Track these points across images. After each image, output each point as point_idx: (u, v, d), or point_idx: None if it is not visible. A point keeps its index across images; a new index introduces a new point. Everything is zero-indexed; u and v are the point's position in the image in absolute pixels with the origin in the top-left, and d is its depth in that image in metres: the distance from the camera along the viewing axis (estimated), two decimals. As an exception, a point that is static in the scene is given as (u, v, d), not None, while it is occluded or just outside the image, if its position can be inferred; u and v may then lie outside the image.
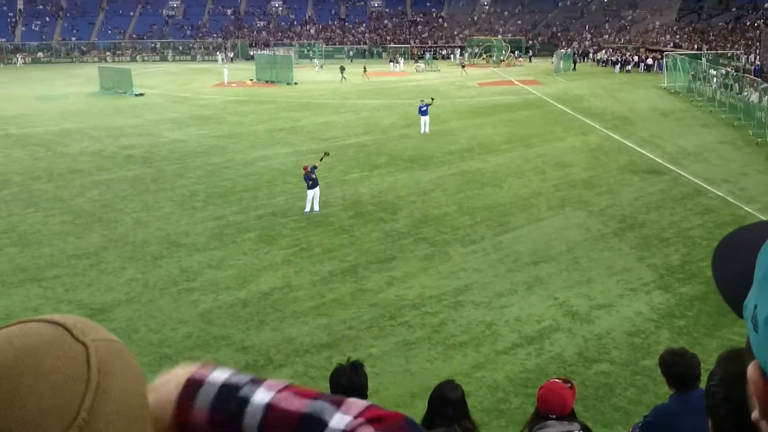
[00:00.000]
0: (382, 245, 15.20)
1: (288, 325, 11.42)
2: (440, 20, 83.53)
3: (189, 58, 72.99)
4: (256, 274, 13.66)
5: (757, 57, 45.20)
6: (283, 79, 48.33)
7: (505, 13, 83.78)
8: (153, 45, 75.36)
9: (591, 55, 65.22)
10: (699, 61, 41.69)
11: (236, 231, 16.25)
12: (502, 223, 16.82)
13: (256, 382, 0.96)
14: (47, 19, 78.27)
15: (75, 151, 25.38)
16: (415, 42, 75.96)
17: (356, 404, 0.90)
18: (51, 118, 32.65)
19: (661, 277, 13.26)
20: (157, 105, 37.67)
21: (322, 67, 54.99)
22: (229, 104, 37.99)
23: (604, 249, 14.92)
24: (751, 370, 0.71)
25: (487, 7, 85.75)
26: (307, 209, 17.39)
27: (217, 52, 70.00)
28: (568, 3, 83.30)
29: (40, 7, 79.25)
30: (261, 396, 0.93)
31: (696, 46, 54.55)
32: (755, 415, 0.72)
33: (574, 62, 58.70)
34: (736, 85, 34.59)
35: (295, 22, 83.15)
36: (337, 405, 0.90)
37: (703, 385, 4.08)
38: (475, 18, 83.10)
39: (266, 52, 61.13)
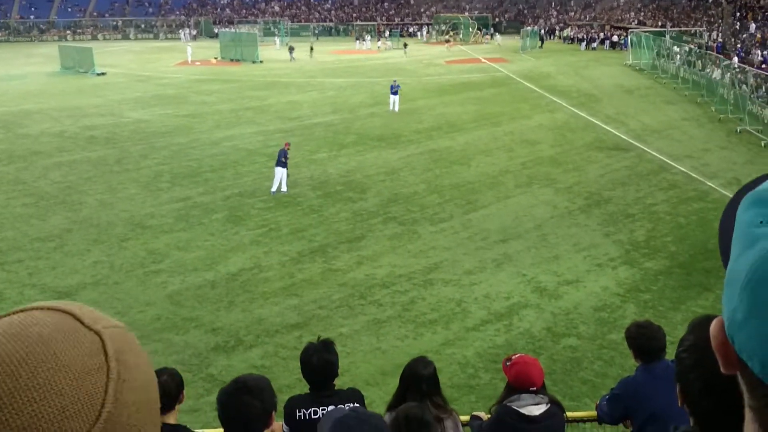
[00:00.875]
0: (351, 225, 15.17)
1: (258, 306, 11.37)
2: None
3: (152, 36, 71.37)
4: (225, 256, 13.54)
5: (720, 34, 45.84)
6: (248, 58, 47.61)
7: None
8: (114, 23, 73.45)
9: (557, 32, 65.46)
10: (663, 38, 42.14)
11: (203, 212, 16.06)
12: (470, 201, 16.90)
13: None
14: (3, -4, 75.72)
15: (36, 132, 24.73)
16: (381, 19, 75.37)
17: None
18: (10, 98, 31.70)
19: (627, 252, 13.49)
20: (120, 84, 36.83)
21: (287, 45, 53.71)
22: (194, 83, 37.32)
23: (571, 225, 15.11)
24: (714, 324, 0.71)
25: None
26: (274, 189, 17.27)
27: (180, 30, 68.56)
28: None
29: (-5, -17, 76.61)
30: None
31: (660, 24, 55.09)
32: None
33: (542, 39, 58.90)
34: (699, 62, 35.11)
35: (260, 0, 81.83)
36: None
37: (668, 356, 4.16)
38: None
39: (230, 29, 60.09)
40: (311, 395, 4.10)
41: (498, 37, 62.99)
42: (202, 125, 26.02)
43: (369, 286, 12.06)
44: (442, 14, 71.60)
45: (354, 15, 76.73)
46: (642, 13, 63.72)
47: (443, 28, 66.90)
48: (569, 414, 4.49)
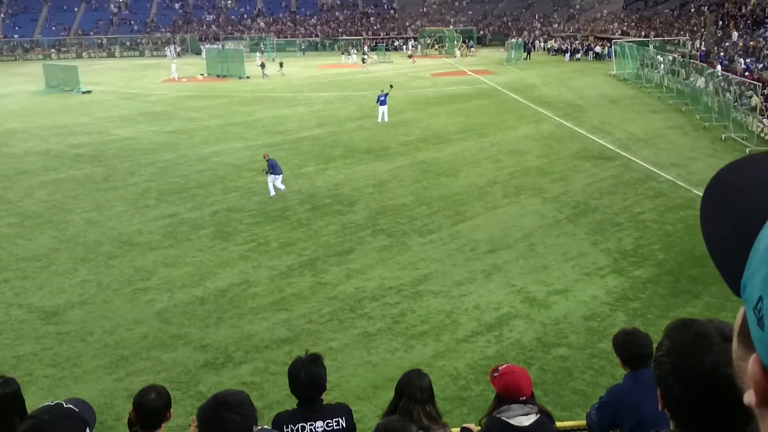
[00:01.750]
0: (340, 238, 15.14)
1: (247, 322, 11.30)
2: (392, 12, 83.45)
3: (137, 53, 71.31)
4: (213, 271, 13.46)
5: (703, 43, 46.37)
6: (234, 73, 47.64)
7: (456, 3, 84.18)
8: (99, 41, 73.34)
9: (541, 44, 65.99)
10: (646, 48, 42.56)
11: (191, 228, 15.99)
12: (459, 212, 16.93)
13: None
14: (-14, 15, 75.55)
15: (21, 151, 24.58)
16: (367, 34, 75.75)
17: None
18: (-6, 117, 31.53)
19: (615, 261, 13.54)
20: (106, 102, 36.73)
21: (260, 62, 52.40)
22: (180, 100, 37.28)
23: (559, 235, 15.15)
24: (752, 363, 0.68)
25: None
26: (273, 193, 18.06)
27: (166, 47, 68.56)
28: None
29: (-22, 3, 76.47)
30: None
31: (643, 34, 55.63)
32: (748, 398, 0.70)
33: (528, 51, 59.43)
34: (683, 71, 35.46)
35: (245, 16, 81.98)
36: None
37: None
38: (426, 9, 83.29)
39: (216, 46, 60.13)
40: (299, 410, 4.07)
41: (473, 48, 63.90)
42: (189, 141, 25.97)
43: (359, 299, 12.02)
44: (427, 28, 72.05)
45: (340, 30, 77.08)
46: (625, 24, 64.40)
47: (429, 41, 67.33)
48: (559, 424, 4.48)
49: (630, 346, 4.32)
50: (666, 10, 63.00)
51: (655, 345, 4.30)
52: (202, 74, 48.70)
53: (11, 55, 68.71)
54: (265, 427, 3.86)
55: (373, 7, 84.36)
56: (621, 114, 30.16)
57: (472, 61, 58.25)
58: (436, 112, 31.62)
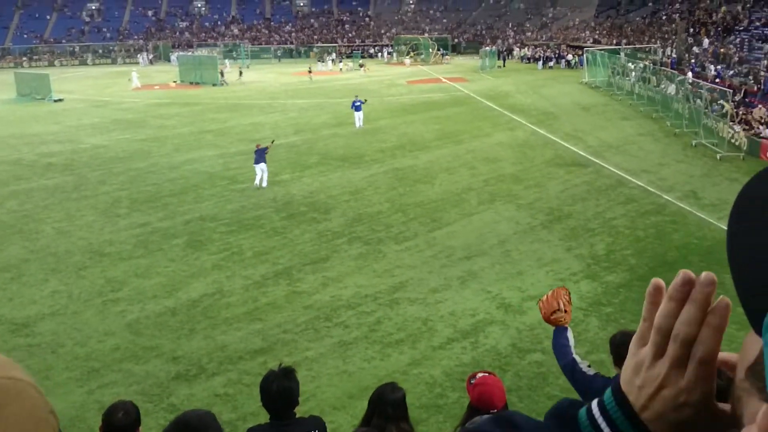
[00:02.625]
0: (315, 246, 15.07)
1: (220, 333, 11.17)
2: (367, 19, 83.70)
3: (110, 61, 70.60)
4: (185, 281, 13.31)
5: (674, 50, 47.13)
6: (208, 81, 47.37)
7: (431, 11, 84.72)
8: (71, 49, 72.48)
9: (515, 52, 66.61)
10: (618, 55, 43.18)
11: (163, 237, 15.80)
12: (434, 219, 16.96)
13: None
14: (-45, 22, 74.29)
15: (-11, 160, 24.14)
16: (342, 41, 75.83)
17: None
18: (-38, 126, 30.93)
19: (588, 266, 13.66)
20: (77, 110, 36.25)
21: (248, 66, 53.04)
22: (153, 107, 36.93)
23: (533, 241, 15.25)
24: (763, 416, 0.61)
25: (412, 6, 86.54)
26: (257, 182, 19.38)
27: (139, 55, 67.98)
28: (491, 2, 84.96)
29: (-53, 9, 75.17)
30: None
31: (615, 41, 56.47)
32: None
33: (504, 59, 60.05)
34: (654, 78, 36.00)
35: (219, 23, 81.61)
36: None
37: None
38: (402, 17, 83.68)
39: (189, 53, 59.75)
40: (270, 425, 4.02)
41: (448, 56, 64.38)
42: (162, 149, 25.72)
43: (334, 307, 11.96)
44: (402, 35, 72.36)
45: (315, 37, 77.07)
46: (597, 32, 65.28)
47: (403, 48, 67.65)
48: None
49: (625, 348, 4.31)
50: (637, 18, 64.00)
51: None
52: (174, 81, 48.32)
53: (-19, 63, 67.60)
54: None
55: (348, 14, 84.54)
56: (593, 121, 30.53)
57: (447, 68, 58.58)
58: (411, 120, 31.71)
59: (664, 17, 59.05)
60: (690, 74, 35.09)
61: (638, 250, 14.45)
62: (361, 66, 58.14)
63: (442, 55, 65.56)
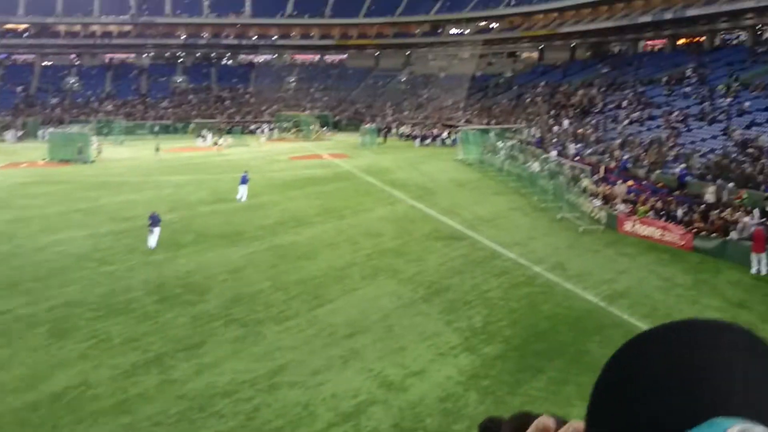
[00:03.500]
0: (190, 330, 14.43)
1: (85, 428, 10.33)
2: (247, 96, 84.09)
3: (-28, 137, 66.08)
4: (48, 373, 12.28)
5: (538, 130, 50.63)
6: (79, 158, 45.34)
7: (311, 90, 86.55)
8: (-73, 123, 67.28)
9: (394, 129, 68.99)
10: (488, 134, 45.80)
11: (25, 326, 14.60)
12: (317, 296, 16.79)
13: None
14: None
15: None
16: (222, 117, 75.55)
17: None
18: None
19: (466, 339, 13.92)
20: (-72, 188, 33.43)
21: (122, 143, 50.57)
22: (18, 186, 34.69)
23: (415, 315, 15.41)
24: None
25: (293, 84, 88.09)
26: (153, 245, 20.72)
27: (6, 132, 64.22)
28: (370, 82, 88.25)
29: None
30: None
31: (485, 122, 59.98)
32: None
33: (385, 136, 62.17)
34: (521, 155, 38.34)
35: (93, 98, 79.05)
36: None
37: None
38: (283, 94, 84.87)
39: (60, 129, 57.16)
40: None
41: (329, 132, 65.96)
42: (26, 230, 24.04)
43: (210, 395, 11.39)
44: (283, 112, 73.17)
45: (193, 113, 76.26)
46: (469, 112, 69.19)
47: (285, 125, 68.35)
48: None
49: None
50: (504, 100, 68.57)
51: None
52: (43, 159, 45.88)
53: None
54: None
55: (227, 91, 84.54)
56: (468, 196, 31.87)
57: (328, 145, 59.58)
58: (294, 195, 31.72)
59: (528, 100, 63.70)
60: (554, 152, 37.72)
61: (512, 321, 14.94)
62: (216, 144, 55.52)
63: (324, 131, 66.81)
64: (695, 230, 21.42)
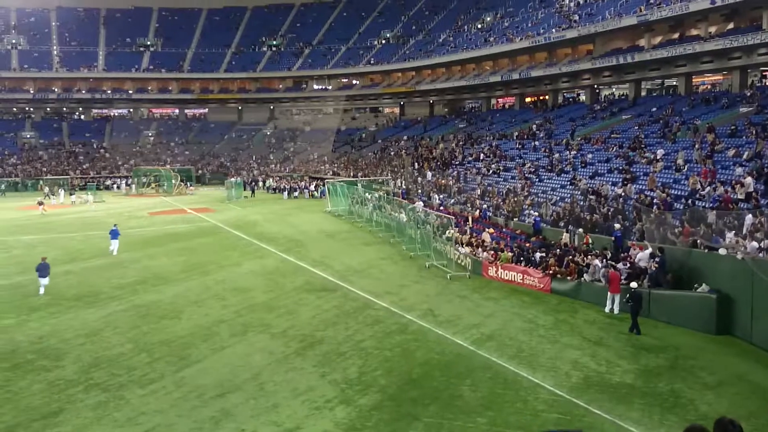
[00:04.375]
0: (45, 398, 13.24)
1: None
2: (102, 151, 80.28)
3: None
4: None
5: (403, 182, 52.21)
6: None
7: (171, 144, 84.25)
8: None
9: (260, 183, 68.48)
10: (356, 186, 46.61)
11: None
12: (183, 356, 16.02)
13: None
14: None
15: None
16: (75, 173, 71.49)
17: None
18: None
19: (342, 391, 13.79)
20: None
21: None
22: None
23: (288, 370, 15.07)
24: None
25: (152, 138, 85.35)
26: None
27: None
28: (234, 135, 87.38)
29: None
30: None
31: (352, 174, 61.07)
32: None
33: (252, 190, 61.57)
34: (388, 206, 39.28)
35: (-73, 155, 72.32)
36: None
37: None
38: (141, 149, 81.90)
39: None
40: None
41: (192, 187, 64.31)
42: None
43: (67, 470, 10.44)
44: (141, 167, 70.50)
45: (44, 170, 71.61)
46: (335, 165, 70.17)
47: (144, 180, 65.87)
48: None
49: None
50: (369, 153, 70.30)
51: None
52: None
53: None
54: None
55: (81, 146, 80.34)
56: (338, 247, 32.05)
57: (192, 199, 57.94)
58: (155, 252, 30.39)
59: (392, 153, 65.74)
60: (420, 203, 38.97)
61: (387, 369, 15.02)
62: (40, 204, 49.00)
63: (186, 186, 65.04)
64: (552, 273, 22.81)
